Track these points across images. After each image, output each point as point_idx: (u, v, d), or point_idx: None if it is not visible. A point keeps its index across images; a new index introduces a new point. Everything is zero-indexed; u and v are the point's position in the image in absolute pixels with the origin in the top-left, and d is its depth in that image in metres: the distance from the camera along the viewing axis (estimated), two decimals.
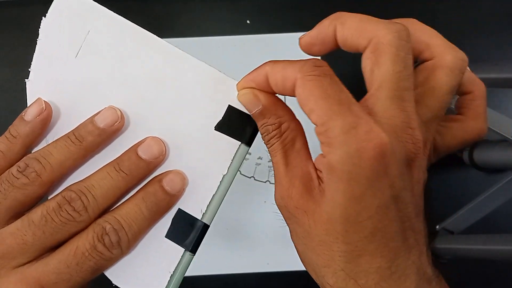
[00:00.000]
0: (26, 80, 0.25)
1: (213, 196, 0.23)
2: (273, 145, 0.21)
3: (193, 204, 0.24)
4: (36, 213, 0.22)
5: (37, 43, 0.25)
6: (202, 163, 0.24)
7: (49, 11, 0.25)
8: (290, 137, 0.21)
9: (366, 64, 0.20)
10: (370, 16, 0.20)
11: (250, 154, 0.24)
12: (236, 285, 0.66)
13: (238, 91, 0.23)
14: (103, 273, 0.23)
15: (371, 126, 0.18)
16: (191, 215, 0.23)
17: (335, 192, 0.19)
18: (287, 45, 0.70)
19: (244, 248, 0.66)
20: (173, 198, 0.23)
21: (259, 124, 0.22)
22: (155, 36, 0.24)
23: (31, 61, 0.25)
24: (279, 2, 0.70)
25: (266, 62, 0.22)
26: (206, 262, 0.64)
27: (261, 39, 0.70)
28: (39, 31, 0.25)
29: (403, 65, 0.19)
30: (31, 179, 0.22)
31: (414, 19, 0.21)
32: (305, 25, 0.73)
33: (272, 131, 0.21)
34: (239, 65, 0.69)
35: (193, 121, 0.24)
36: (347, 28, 0.21)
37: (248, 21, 0.70)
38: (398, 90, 0.19)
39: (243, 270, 0.65)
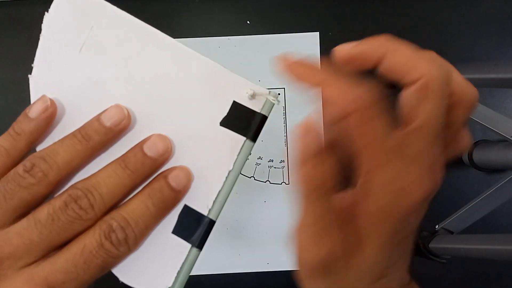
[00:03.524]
0: (29, 75, 0.24)
1: (219, 192, 0.23)
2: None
3: (199, 200, 0.23)
4: (42, 212, 0.22)
5: (40, 39, 0.24)
6: (208, 159, 0.24)
7: (52, 5, 0.24)
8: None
9: (411, 98, 0.20)
10: (414, 48, 0.20)
11: (250, 154, 0.23)
12: (236, 284, 0.66)
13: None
14: (110, 270, 0.23)
15: (413, 178, 0.19)
16: (197, 211, 0.23)
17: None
18: (287, 46, 0.70)
19: (244, 248, 0.66)
20: (179, 194, 0.23)
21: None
22: (159, 31, 0.24)
23: (33, 59, 0.24)
24: (279, 2, 0.70)
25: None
26: (206, 262, 0.64)
27: (261, 39, 0.70)
28: (42, 26, 0.24)
29: (443, 109, 0.20)
30: (37, 179, 0.22)
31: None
32: (305, 25, 0.73)
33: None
34: (239, 65, 0.69)
35: (198, 117, 0.24)
36: (398, 58, 0.20)
37: (248, 22, 0.70)
38: (435, 131, 0.20)
39: (243, 269, 0.65)
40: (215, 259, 0.67)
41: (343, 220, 0.21)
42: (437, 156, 0.20)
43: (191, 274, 0.24)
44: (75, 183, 0.22)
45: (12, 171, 0.22)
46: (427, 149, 0.19)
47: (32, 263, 0.22)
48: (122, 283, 0.23)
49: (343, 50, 0.21)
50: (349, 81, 0.19)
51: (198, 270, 0.62)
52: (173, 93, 0.24)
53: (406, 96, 0.20)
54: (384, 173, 0.19)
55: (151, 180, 0.23)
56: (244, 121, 0.23)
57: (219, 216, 0.24)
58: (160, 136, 0.23)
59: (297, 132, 0.20)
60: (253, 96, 0.23)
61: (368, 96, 0.19)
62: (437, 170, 0.20)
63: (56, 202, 0.22)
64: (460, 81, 0.21)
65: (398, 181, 0.19)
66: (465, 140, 0.23)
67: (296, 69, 0.21)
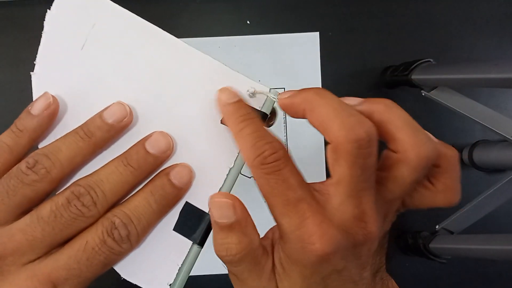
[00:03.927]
0: (31, 73, 0.24)
1: (220, 189, 0.23)
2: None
3: (201, 197, 0.24)
4: (45, 209, 0.22)
5: (42, 36, 0.24)
6: (209, 157, 0.24)
7: (54, 3, 0.25)
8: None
9: (329, 156, 0.21)
10: (338, 108, 0.20)
11: None
12: None
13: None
14: (112, 267, 0.23)
15: (315, 230, 0.19)
16: (198, 208, 0.23)
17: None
18: (287, 45, 0.71)
19: None
20: (181, 191, 0.23)
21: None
22: (160, 29, 0.24)
23: (33, 59, 0.24)
24: (279, 2, 0.70)
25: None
26: (206, 262, 0.64)
27: (261, 39, 0.70)
28: (44, 24, 0.24)
29: (361, 170, 0.20)
30: (40, 176, 0.22)
31: (389, 102, 0.21)
32: (305, 25, 0.73)
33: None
34: (239, 65, 0.69)
35: (199, 114, 0.24)
36: (315, 117, 0.21)
37: (248, 22, 0.70)
38: (354, 190, 0.20)
39: None
40: (215, 259, 0.66)
41: (270, 254, 0.22)
42: (362, 210, 0.20)
43: (191, 274, 0.24)
44: (77, 180, 0.22)
45: (15, 168, 0.22)
46: (342, 204, 0.20)
47: (35, 259, 0.22)
48: (124, 280, 0.23)
49: (280, 99, 0.22)
50: (260, 133, 0.20)
51: (198, 270, 0.61)
52: (174, 91, 0.24)
53: (326, 152, 0.21)
54: (289, 221, 0.20)
55: (153, 177, 0.23)
56: None
57: None
58: (162, 133, 0.23)
59: (209, 205, 0.22)
60: (254, 94, 0.24)
61: (274, 150, 0.20)
62: (361, 224, 0.20)
63: (58, 199, 0.22)
64: (406, 140, 0.20)
65: (298, 230, 0.19)
66: (447, 196, 0.22)
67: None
